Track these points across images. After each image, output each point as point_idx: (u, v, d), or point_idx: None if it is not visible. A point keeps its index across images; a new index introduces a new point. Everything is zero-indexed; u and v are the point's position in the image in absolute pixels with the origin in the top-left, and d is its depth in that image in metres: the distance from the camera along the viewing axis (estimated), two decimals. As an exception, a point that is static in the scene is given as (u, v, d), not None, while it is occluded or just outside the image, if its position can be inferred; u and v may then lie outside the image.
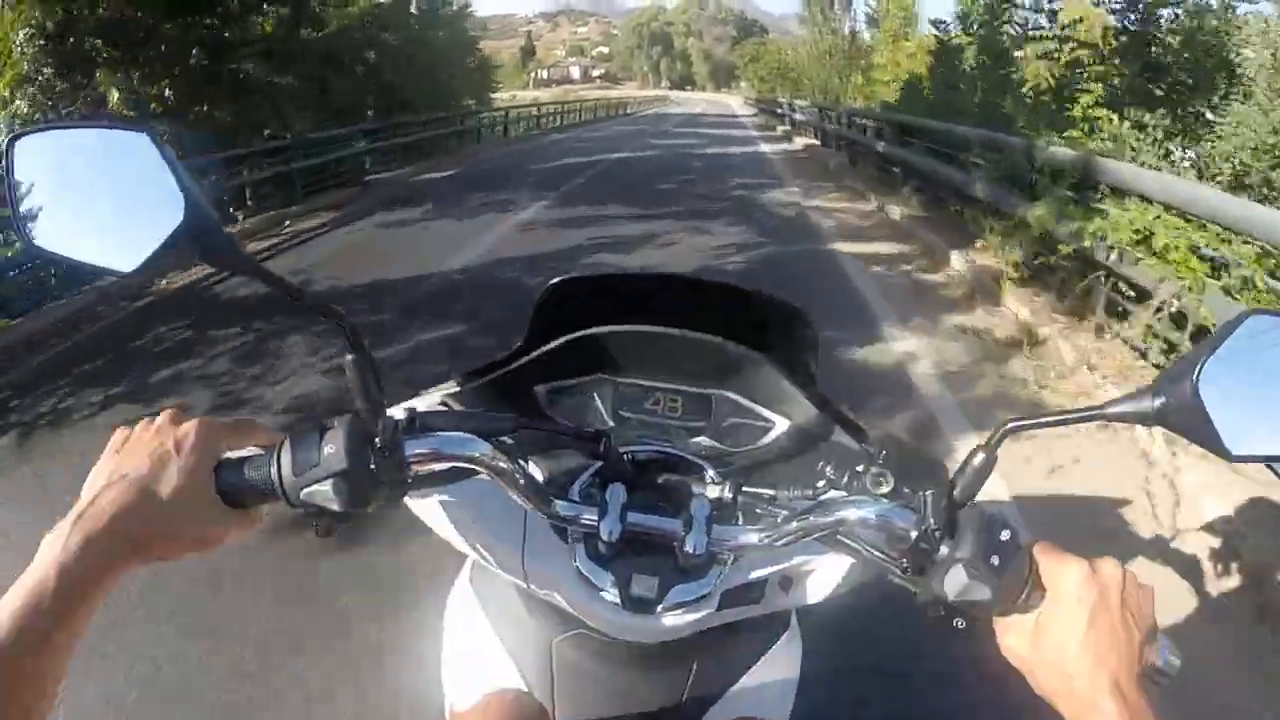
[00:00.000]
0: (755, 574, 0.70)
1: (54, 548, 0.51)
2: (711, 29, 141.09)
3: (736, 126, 26.62)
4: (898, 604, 0.66)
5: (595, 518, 0.64)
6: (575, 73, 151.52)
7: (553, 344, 0.80)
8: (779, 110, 25.60)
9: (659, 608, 0.64)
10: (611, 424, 0.85)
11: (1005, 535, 0.55)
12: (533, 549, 0.71)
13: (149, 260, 0.55)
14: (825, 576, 0.72)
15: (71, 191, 0.60)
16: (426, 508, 0.73)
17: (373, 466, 0.57)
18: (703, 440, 0.84)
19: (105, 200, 0.59)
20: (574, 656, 0.76)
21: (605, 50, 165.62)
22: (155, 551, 0.54)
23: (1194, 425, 0.50)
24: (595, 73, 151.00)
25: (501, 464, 0.62)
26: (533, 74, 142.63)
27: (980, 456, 0.55)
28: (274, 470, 0.57)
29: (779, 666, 0.82)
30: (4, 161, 0.60)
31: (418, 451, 0.60)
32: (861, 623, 1.58)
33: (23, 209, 0.59)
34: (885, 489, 0.62)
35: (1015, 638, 0.55)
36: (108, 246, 0.58)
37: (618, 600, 0.64)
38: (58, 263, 0.70)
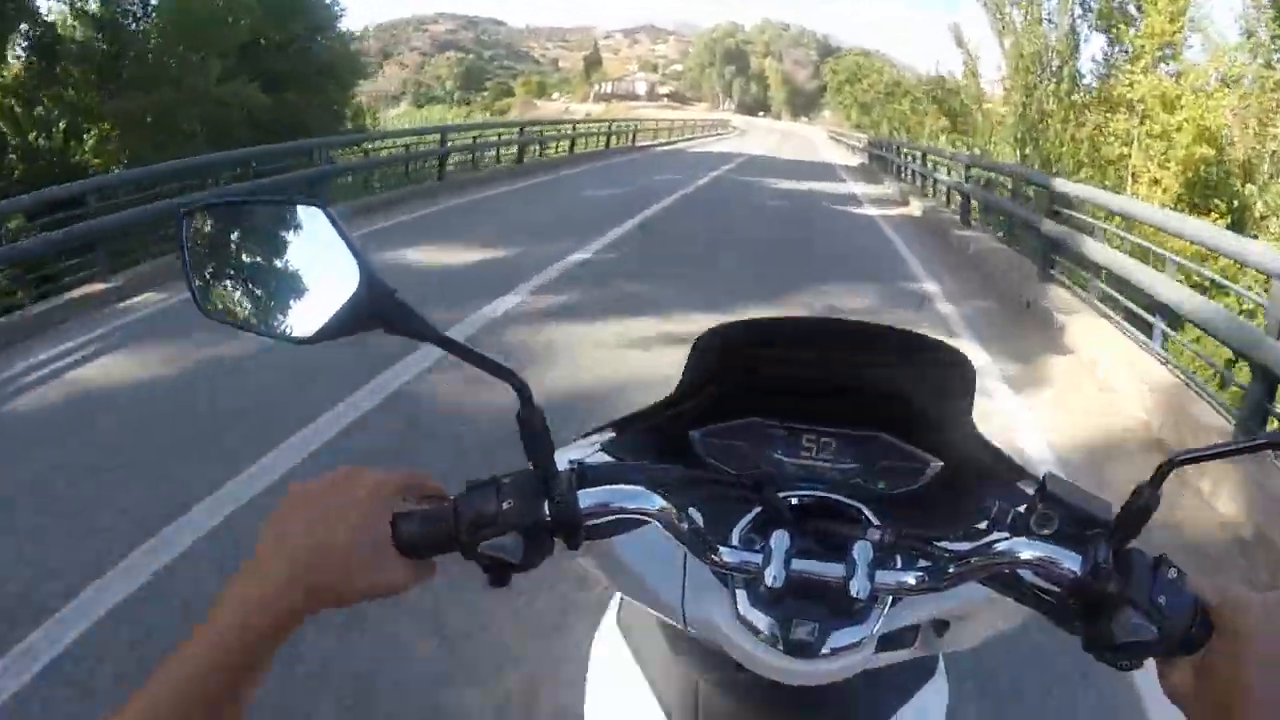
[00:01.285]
0: (911, 618, 0.72)
1: (232, 602, 0.52)
2: (792, 52, 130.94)
3: (868, 275, 7.55)
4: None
5: (759, 564, 0.65)
6: (640, 88, 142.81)
7: (710, 391, 0.87)
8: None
9: (820, 651, 0.65)
10: (766, 468, 0.88)
11: (1172, 574, 0.55)
12: (693, 592, 0.73)
13: (325, 328, 0.58)
14: (980, 620, 0.74)
15: (244, 262, 0.64)
16: (584, 551, 0.76)
17: (548, 519, 0.60)
18: (857, 481, 0.86)
19: (278, 271, 0.62)
20: (720, 697, 0.80)
21: (679, 68, 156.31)
22: (334, 601, 0.56)
23: None
24: (662, 90, 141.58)
25: (670, 515, 0.64)
26: (595, 87, 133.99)
27: (1144, 494, 0.56)
28: (453, 524, 0.60)
29: (926, 710, 0.84)
30: (178, 231, 0.63)
31: (591, 505, 0.63)
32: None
33: (195, 278, 0.63)
34: (1050, 529, 0.60)
35: (1180, 677, 0.55)
36: (281, 316, 0.61)
37: (779, 644, 0.65)
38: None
